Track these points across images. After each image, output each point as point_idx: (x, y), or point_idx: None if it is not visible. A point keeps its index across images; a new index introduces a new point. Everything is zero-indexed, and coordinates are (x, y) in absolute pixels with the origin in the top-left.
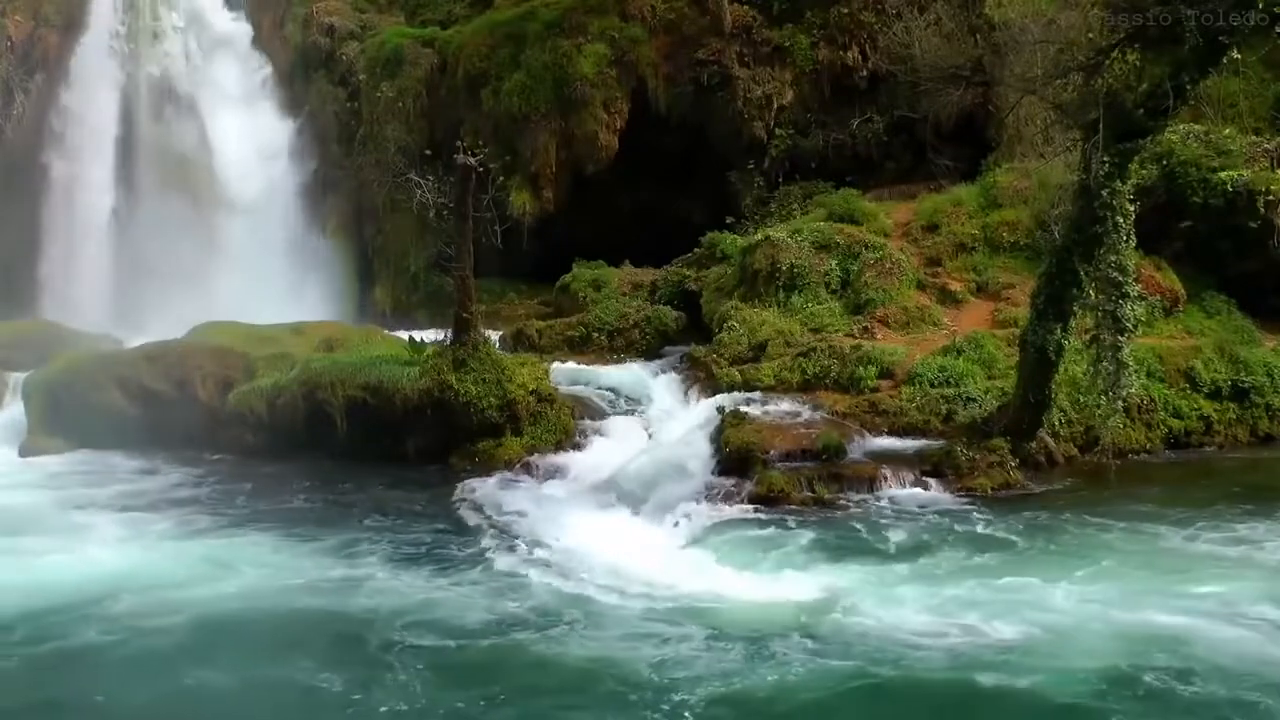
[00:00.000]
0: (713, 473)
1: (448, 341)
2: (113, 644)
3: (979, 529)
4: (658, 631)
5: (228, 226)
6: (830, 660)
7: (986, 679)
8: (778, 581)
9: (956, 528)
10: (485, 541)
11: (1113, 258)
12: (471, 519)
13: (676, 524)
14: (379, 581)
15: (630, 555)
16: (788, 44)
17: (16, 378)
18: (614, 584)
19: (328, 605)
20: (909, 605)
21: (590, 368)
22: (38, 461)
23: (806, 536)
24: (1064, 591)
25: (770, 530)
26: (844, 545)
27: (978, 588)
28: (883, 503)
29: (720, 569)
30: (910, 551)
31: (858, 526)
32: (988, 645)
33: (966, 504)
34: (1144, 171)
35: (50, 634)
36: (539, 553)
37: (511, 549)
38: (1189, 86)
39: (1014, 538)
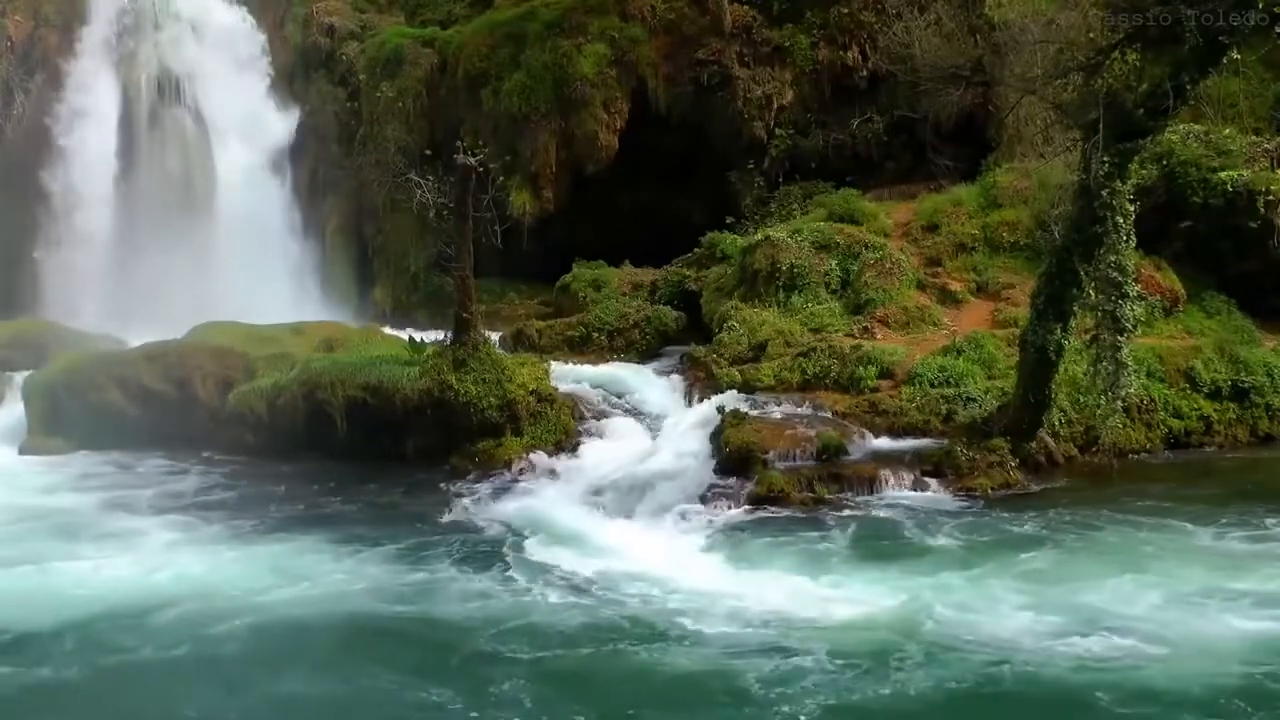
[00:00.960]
0: (713, 473)
1: (448, 341)
2: (194, 654)
3: (1013, 528)
4: (749, 643)
5: (227, 226)
6: (941, 669)
7: (1114, 692)
8: (846, 589)
9: (986, 528)
10: (524, 547)
11: (1113, 258)
12: (497, 524)
13: (704, 527)
14: (447, 586)
15: (677, 563)
16: (788, 44)
17: (17, 378)
18: (677, 594)
19: (407, 612)
20: (991, 612)
21: (590, 368)
22: (58, 462)
23: (839, 540)
24: (1131, 594)
25: (800, 533)
26: (886, 549)
27: (1045, 591)
28: (884, 503)
29: (772, 576)
30: (957, 554)
31: (888, 529)
32: (1094, 654)
33: (970, 504)
34: (1144, 171)
35: (126, 643)
36: (580, 560)
37: (549, 555)
38: (1189, 86)
39: (1052, 536)
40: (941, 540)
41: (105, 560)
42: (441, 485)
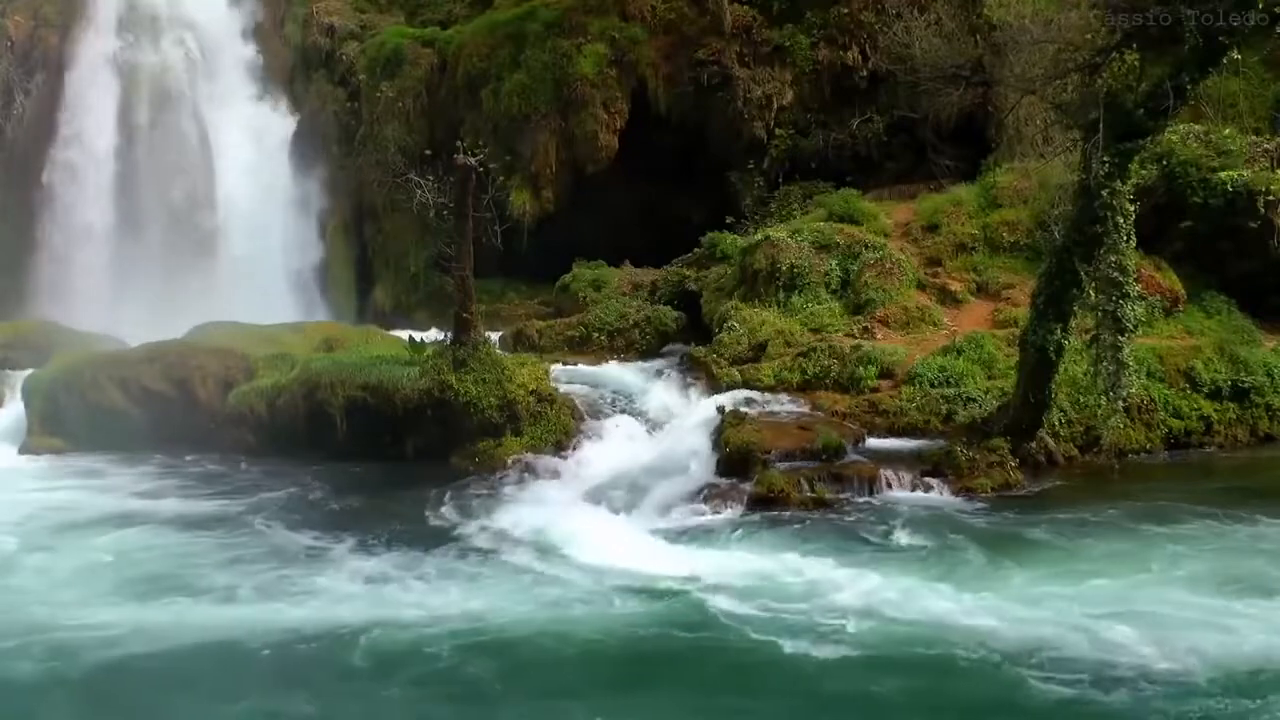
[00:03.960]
0: (713, 473)
1: (448, 341)
2: (458, 683)
3: (1075, 518)
4: (955, 662)
5: (227, 226)
6: (1164, 688)
7: None
8: (996, 601)
9: (1040, 527)
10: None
11: (1113, 258)
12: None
13: (725, 526)
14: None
15: (755, 569)
16: (788, 44)
17: (17, 378)
18: (808, 606)
19: (664, 632)
20: (1141, 624)
21: (590, 368)
22: (154, 464)
23: (905, 544)
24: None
25: (851, 532)
26: (968, 554)
27: (1248, 604)
28: (884, 503)
29: (881, 583)
30: (1073, 557)
31: (932, 529)
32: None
33: (982, 505)
34: (1144, 171)
35: (365, 674)
36: (657, 569)
37: (602, 559)
38: (1189, 86)
39: (1133, 527)
40: (1013, 541)
41: (253, 587)
42: (467, 487)
